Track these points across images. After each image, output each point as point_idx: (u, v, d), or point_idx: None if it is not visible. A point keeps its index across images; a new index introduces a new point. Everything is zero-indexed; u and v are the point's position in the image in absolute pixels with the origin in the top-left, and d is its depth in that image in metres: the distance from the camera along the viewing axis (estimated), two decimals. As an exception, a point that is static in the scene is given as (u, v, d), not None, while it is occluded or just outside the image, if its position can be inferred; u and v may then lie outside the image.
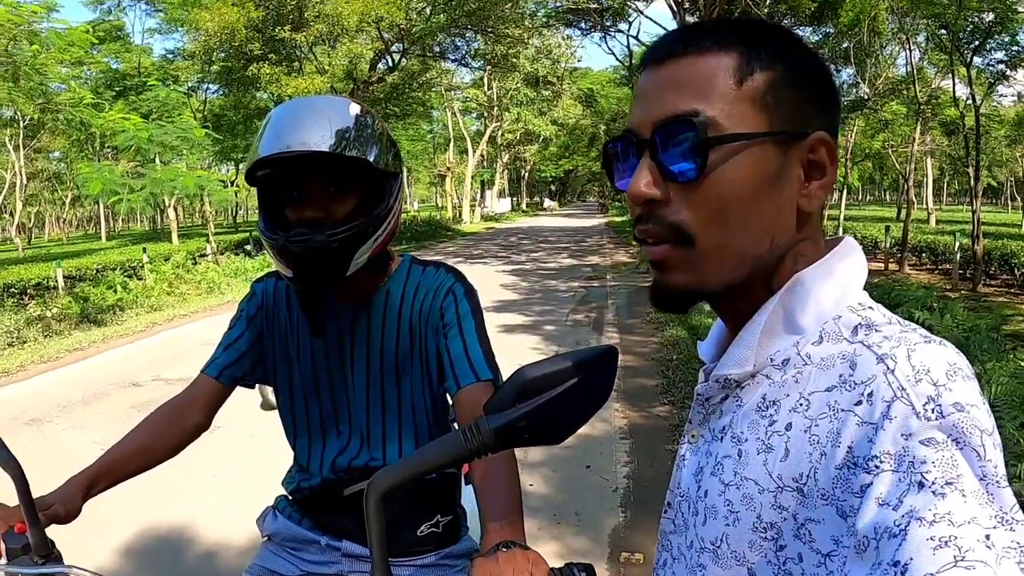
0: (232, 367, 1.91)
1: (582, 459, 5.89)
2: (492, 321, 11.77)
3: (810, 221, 0.89)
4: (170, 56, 44.50)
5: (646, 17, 31.64)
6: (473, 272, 19.44)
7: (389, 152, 1.76)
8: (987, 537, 0.64)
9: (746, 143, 0.83)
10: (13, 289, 16.50)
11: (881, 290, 13.04)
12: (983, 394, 0.74)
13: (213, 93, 41.15)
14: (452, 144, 54.74)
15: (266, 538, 2.04)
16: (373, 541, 1.00)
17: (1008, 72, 18.80)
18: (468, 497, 2.20)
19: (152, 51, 46.44)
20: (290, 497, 2.02)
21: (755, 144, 0.84)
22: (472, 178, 53.46)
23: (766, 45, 0.86)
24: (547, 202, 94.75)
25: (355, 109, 1.71)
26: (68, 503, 1.62)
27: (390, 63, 33.35)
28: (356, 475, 1.87)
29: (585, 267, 21.33)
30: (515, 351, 9.27)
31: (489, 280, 17.79)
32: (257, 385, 2.04)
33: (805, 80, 0.87)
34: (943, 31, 17.47)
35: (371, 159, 1.67)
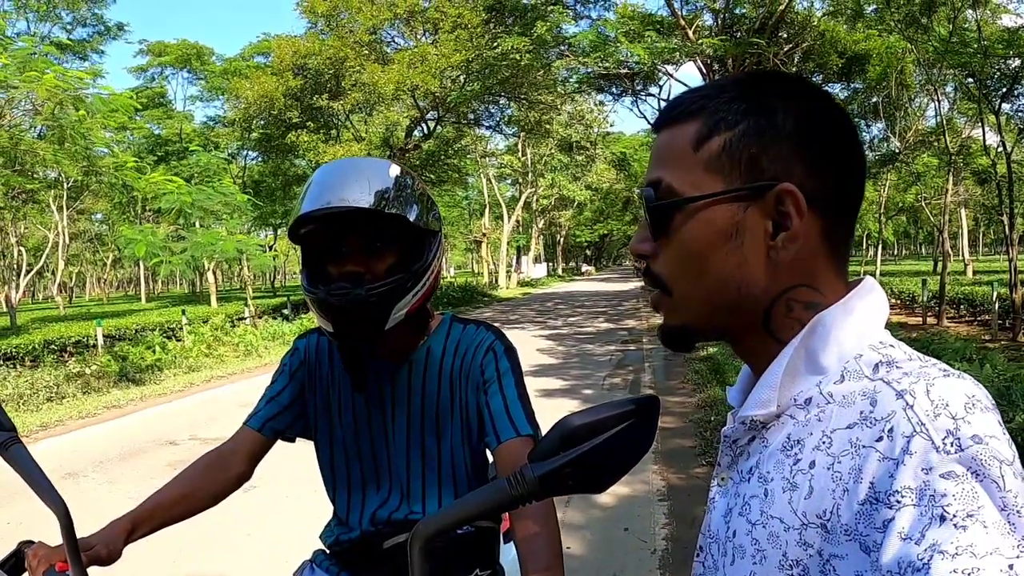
0: (274, 420, 1.94)
1: (620, 521, 5.81)
2: (530, 385, 11.57)
3: (803, 269, 0.90)
4: (211, 123, 45.56)
5: (676, 80, 31.90)
6: (511, 336, 19.08)
7: (429, 212, 1.82)
8: (1010, 567, 0.65)
9: (696, 206, 0.90)
10: (53, 346, 16.79)
11: (919, 344, 12.82)
12: (1003, 424, 0.75)
13: (252, 160, 41.88)
14: (487, 210, 54.96)
15: None
16: None
17: (1037, 116, 18.73)
18: (508, 556, 2.22)
19: (193, 118, 47.50)
20: (328, 551, 2.01)
21: (707, 205, 0.90)
22: (508, 244, 53.54)
23: (739, 101, 0.91)
24: (584, 267, 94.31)
25: (395, 170, 1.78)
26: (110, 545, 1.62)
27: (426, 130, 33.64)
28: (396, 528, 1.88)
29: (621, 331, 21.17)
30: (553, 414, 9.07)
31: (526, 344, 17.70)
32: None
33: (779, 131, 0.89)
34: (970, 80, 17.44)
35: (410, 217, 1.73)
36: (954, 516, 0.68)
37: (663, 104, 24.76)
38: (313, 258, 1.81)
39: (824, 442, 0.83)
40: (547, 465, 0.98)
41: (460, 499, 1.03)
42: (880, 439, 0.76)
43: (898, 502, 0.72)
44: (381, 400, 1.90)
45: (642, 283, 50.17)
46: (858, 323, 0.88)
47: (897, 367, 0.83)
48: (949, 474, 0.70)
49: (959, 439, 0.71)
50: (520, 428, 1.77)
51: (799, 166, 0.88)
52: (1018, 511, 0.69)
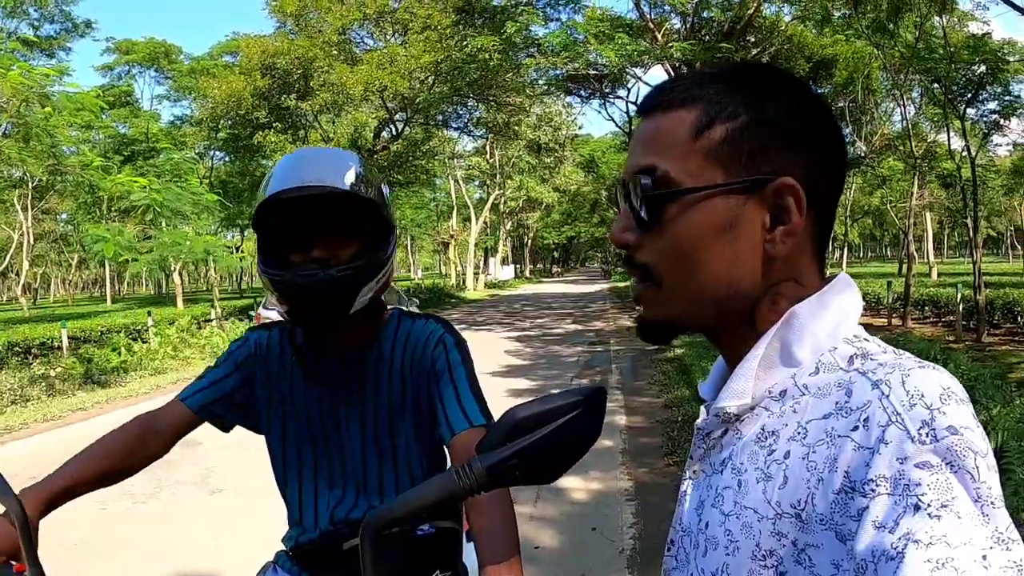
0: (214, 405, 1.91)
1: (588, 520, 5.83)
2: (498, 386, 11.75)
3: (791, 264, 0.91)
4: (178, 123, 45.15)
5: (644, 83, 31.97)
6: (478, 338, 19.64)
7: (389, 205, 1.85)
8: (984, 557, 0.65)
9: (695, 196, 0.88)
10: (18, 348, 16.53)
11: (885, 344, 13.02)
12: (976, 417, 0.75)
13: (219, 160, 41.60)
14: (455, 212, 54.99)
15: None
16: None
17: (1001, 121, 19.00)
18: (470, 555, 2.21)
19: (160, 117, 47.13)
20: (290, 552, 2.00)
21: (705, 196, 0.88)
22: (475, 245, 53.59)
23: (739, 92, 0.90)
24: (556, 268, 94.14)
25: (359, 160, 1.78)
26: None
27: (394, 131, 33.61)
28: (355, 527, 1.83)
29: (588, 332, 21.34)
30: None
31: (494, 346, 17.77)
32: None
33: (779, 124, 0.89)
34: (936, 85, 17.68)
35: (380, 204, 1.76)
36: (928, 506, 0.68)
37: (631, 106, 25.05)
38: (273, 244, 1.79)
39: (799, 433, 0.83)
40: (494, 456, 0.98)
41: (408, 491, 1.02)
42: (856, 428, 0.76)
43: (872, 491, 0.72)
44: (334, 396, 1.89)
45: (608, 285, 50.55)
46: (833, 317, 0.89)
47: (872, 359, 0.83)
48: (924, 464, 0.70)
49: (935, 429, 0.72)
50: (473, 419, 1.77)
51: (797, 160, 0.89)
52: (992, 502, 0.70)
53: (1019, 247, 59.88)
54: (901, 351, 0.85)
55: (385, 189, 1.84)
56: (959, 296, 16.31)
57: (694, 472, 1.00)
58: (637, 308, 0.98)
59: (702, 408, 1.02)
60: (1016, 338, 15.66)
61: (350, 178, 1.69)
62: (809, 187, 0.88)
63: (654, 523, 5.69)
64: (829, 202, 0.93)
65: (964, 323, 16.50)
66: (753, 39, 23.24)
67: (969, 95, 17.04)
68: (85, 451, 1.76)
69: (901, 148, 23.51)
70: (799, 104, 0.91)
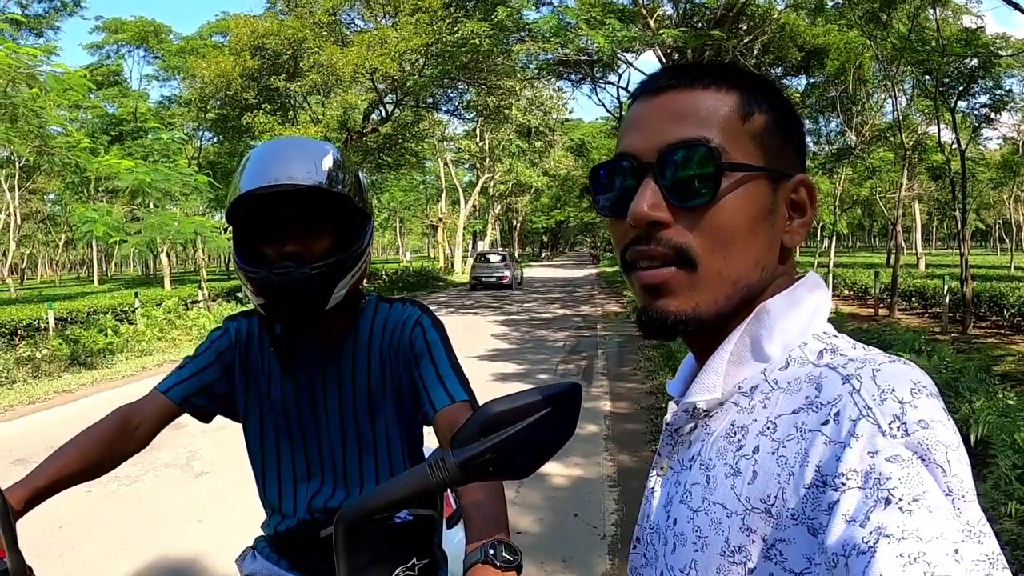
0: (196, 396, 1.89)
1: (571, 506, 5.86)
2: (485, 369, 11.84)
3: (790, 257, 0.94)
4: (166, 103, 44.88)
5: (635, 69, 31.91)
6: (465, 322, 19.62)
7: (364, 195, 1.84)
8: (956, 551, 0.65)
9: (750, 175, 0.87)
10: (3, 329, 16.48)
11: (870, 335, 13.08)
12: (947, 411, 0.76)
13: (208, 140, 41.38)
14: (444, 195, 54.89)
15: None
16: (342, 571, 1.03)
17: (992, 115, 19.06)
18: (449, 543, 2.18)
19: (149, 97, 46.83)
20: (269, 539, 2.01)
21: (757, 177, 0.88)
22: (464, 229, 53.54)
23: (760, 91, 0.92)
24: (545, 253, 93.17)
25: (333, 150, 1.77)
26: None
27: (384, 114, 33.48)
28: (333, 516, 1.84)
29: (576, 317, 21.38)
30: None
31: (481, 330, 17.79)
32: None
33: (788, 127, 0.93)
34: (928, 77, 17.70)
35: (354, 198, 1.75)
36: (900, 500, 0.68)
37: (622, 92, 24.96)
38: (246, 238, 1.78)
39: (768, 428, 0.83)
40: (468, 451, 0.98)
41: (382, 484, 1.03)
42: (826, 423, 0.76)
43: (843, 484, 0.71)
44: (312, 384, 1.89)
45: (597, 270, 50.46)
46: (804, 314, 0.90)
47: (842, 354, 0.84)
48: (895, 458, 0.70)
49: (905, 424, 0.72)
50: (455, 395, 1.77)
51: (799, 162, 0.94)
52: (963, 496, 0.69)
53: (1007, 241, 60.14)
54: (870, 347, 0.85)
55: (362, 177, 1.83)
56: (946, 288, 16.40)
57: (661, 468, 1.00)
58: (654, 298, 0.91)
59: (670, 404, 1.02)
60: (1002, 331, 15.74)
61: (323, 172, 1.68)
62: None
63: (636, 509, 5.65)
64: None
65: (950, 315, 16.59)
66: (745, 27, 23.18)
67: (961, 88, 17.06)
68: (65, 446, 1.73)
69: (891, 139, 23.53)
70: (794, 112, 0.96)
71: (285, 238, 1.71)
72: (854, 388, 0.76)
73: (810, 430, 0.78)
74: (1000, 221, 66.54)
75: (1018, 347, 13.35)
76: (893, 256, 22.09)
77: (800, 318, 0.89)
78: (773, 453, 0.80)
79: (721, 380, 0.90)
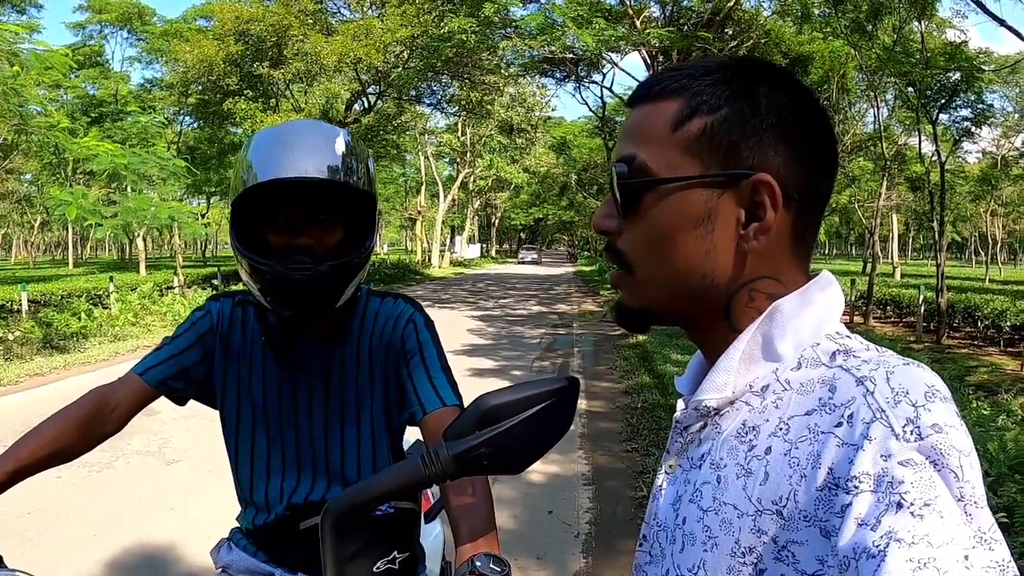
0: (173, 379, 1.83)
1: (545, 503, 5.84)
2: (460, 364, 11.71)
3: (769, 260, 0.90)
4: (148, 86, 44.53)
5: (620, 68, 31.96)
6: (441, 316, 19.67)
7: (375, 182, 1.79)
8: (966, 558, 0.64)
9: (670, 187, 0.88)
10: (-25, 310, 16.25)
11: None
12: (960, 416, 0.75)
13: (188, 125, 41.13)
14: (424, 188, 54.79)
15: (220, 570, 1.98)
16: (328, 567, 1.00)
17: (973, 129, 19.24)
18: (429, 536, 2.15)
19: (130, 79, 46.48)
20: (245, 531, 1.97)
21: (679, 188, 0.88)
22: (443, 223, 53.52)
23: (723, 86, 0.89)
24: (523, 253, 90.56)
25: (347, 136, 1.71)
26: None
27: (366, 104, 33.38)
28: (314, 510, 1.83)
29: (552, 315, 21.38)
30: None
31: (457, 325, 17.77)
32: None
33: (761, 120, 0.88)
34: (911, 89, 17.86)
35: (372, 192, 1.72)
36: (911, 504, 0.67)
37: (606, 92, 25.11)
38: (250, 225, 1.72)
39: (781, 428, 0.82)
40: (462, 444, 0.97)
41: (373, 476, 1.01)
42: (839, 424, 0.76)
43: (855, 487, 0.71)
44: (298, 378, 1.85)
45: (574, 269, 50.77)
46: (816, 314, 0.88)
47: (855, 356, 0.83)
48: (908, 462, 0.70)
49: (919, 427, 0.71)
50: (446, 398, 1.76)
51: (777, 158, 0.88)
52: (975, 502, 0.69)
53: (982, 253, 60.83)
54: (884, 348, 0.84)
55: (371, 165, 1.77)
56: (921, 297, 16.59)
57: (670, 467, 0.99)
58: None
59: (679, 402, 1.01)
60: (975, 342, 15.94)
61: (344, 162, 1.64)
62: (790, 185, 0.88)
63: (610, 508, 5.74)
64: (814, 202, 0.92)
65: (925, 324, 16.76)
66: (731, 31, 23.30)
67: (943, 101, 17.24)
68: (38, 428, 1.68)
69: (872, 149, 23.79)
70: (789, 102, 0.90)
71: (296, 229, 1.67)
72: (868, 390, 0.76)
73: (823, 432, 0.77)
74: (976, 234, 67.28)
75: (991, 358, 13.52)
76: (869, 265, 22.29)
77: (812, 318, 0.88)
78: (786, 454, 0.80)
79: (732, 379, 0.90)
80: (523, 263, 65.42)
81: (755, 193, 0.87)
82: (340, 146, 1.66)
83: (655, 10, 24.35)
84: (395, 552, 1.87)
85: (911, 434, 0.71)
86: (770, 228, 0.87)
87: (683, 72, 0.92)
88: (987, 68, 17.16)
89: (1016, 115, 39.60)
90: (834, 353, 0.84)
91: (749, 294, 0.90)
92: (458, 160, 54.81)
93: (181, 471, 6.40)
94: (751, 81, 0.90)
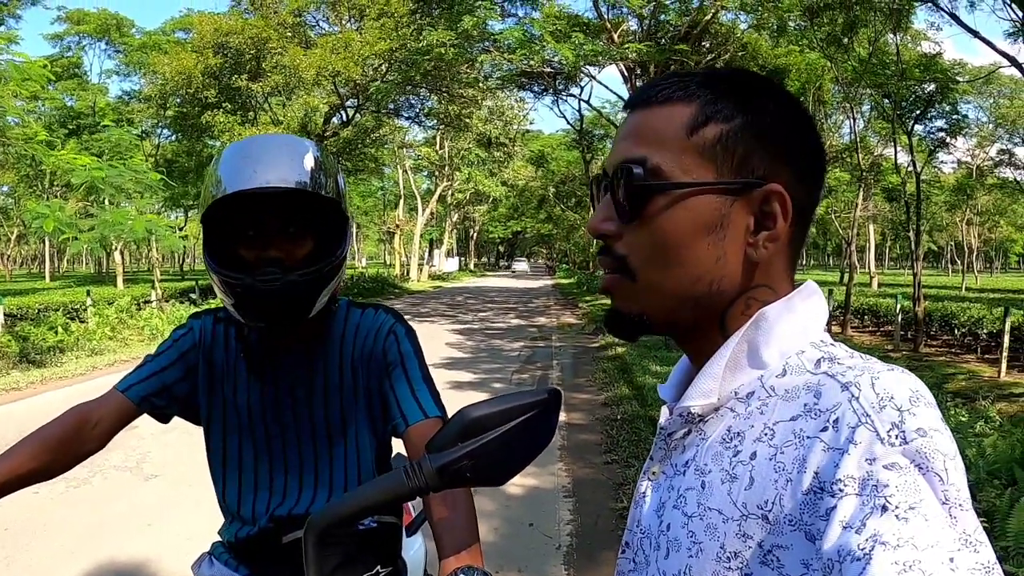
0: (156, 396, 1.81)
1: (526, 515, 5.83)
2: (440, 378, 11.61)
3: (767, 270, 0.91)
4: (126, 98, 44.31)
5: (598, 82, 32.11)
6: (420, 330, 19.08)
7: (345, 196, 1.79)
8: (951, 560, 0.65)
9: (684, 192, 0.88)
10: (-49, 323, 16.07)
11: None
12: (944, 420, 0.75)
13: (167, 138, 40.94)
14: (402, 201, 54.72)
15: None
16: None
17: (948, 140, 19.44)
18: (410, 550, 2.14)
19: (108, 91, 46.28)
20: (227, 545, 1.95)
21: (694, 193, 0.88)
22: (421, 236, 53.42)
23: (733, 96, 0.90)
24: (514, 264, 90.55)
25: (315, 149, 1.72)
26: None
27: (344, 118, 33.34)
28: (297, 523, 1.81)
29: (531, 328, 21.39)
30: (461, 407, 9.37)
31: (436, 338, 17.71)
32: None
33: (771, 132, 0.90)
34: (887, 100, 18.03)
35: (338, 201, 1.71)
36: (896, 507, 0.68)
37: (584, 105, 25.18)
38: (221, 240, 1.71)
39: (766, 434, 0.83)
40: (445, 456, 0.97)
41: (356, 489, 1.02)
42: (825, 429, 0.76)
43: (840, 491, 0.72)
44: (280, 392, 1.83)
45: (552, 281, 50.85)
46: (801, 321, 0.89)
47: (840, 362, 0.83)
48: (893, 465, 0.70)
49: (904, 431, 0.72)
50: (428, 410, 1.75)
51: (785, 170, 0.89)
52: (960, 504, 0.70)
53: (958, 262, 61.36)
54: (868, 355, 0.85)
55: (341, 179, 1.78)
56: (898, 306, 16.72)
57: (653, 473, 0.99)
58: (604, 299, 0.97)
59: (663, 408, 1.01)
60: (952, 350, 16.06)
61: (312, 174, 1.64)
62: (794, 196, 0.88)
63: (591, 519, 5.73)
64: (807, 213, 0.93)
65: (902, 333, 16.89)
66: (708, 44, 23.44)
67: (918, 112, 17.43)
68: (18, 446, 1.65)
69: (848, 160, 23.95)
70: (788, 116, 0.92)
71: (266, 242, 1.66)
72: (853, 395, 0.76)
73: (808, 437, 0.78)
74: (952, 243, 67.94)
75: (968, 366, 13.62)
76: (847, 274, 22.43)
77: (797, 325, 0.89)
78: (771, 459, 0.80)
79: (718, 385, 0.90)
80: (515, 273, 74.48)
81: (765, 203, 0.88)
82: (308, 159, 1.67)
83: (633, 24, 24.47)
84: (378, 567, 1.87)
85: (896, 438, 0.72)
86: (779, 237, 0.89)
87: (692, 79, 0.93)
88: (961, 79, 17.36)
89: (990, 125, 39.98)
90: (819, 360, 0.85)
91: (746, 302, 0.91)
92: (436, 173, 54.78)
93: (159, 486, 6.36)
94: (758, 94, 0.92)
